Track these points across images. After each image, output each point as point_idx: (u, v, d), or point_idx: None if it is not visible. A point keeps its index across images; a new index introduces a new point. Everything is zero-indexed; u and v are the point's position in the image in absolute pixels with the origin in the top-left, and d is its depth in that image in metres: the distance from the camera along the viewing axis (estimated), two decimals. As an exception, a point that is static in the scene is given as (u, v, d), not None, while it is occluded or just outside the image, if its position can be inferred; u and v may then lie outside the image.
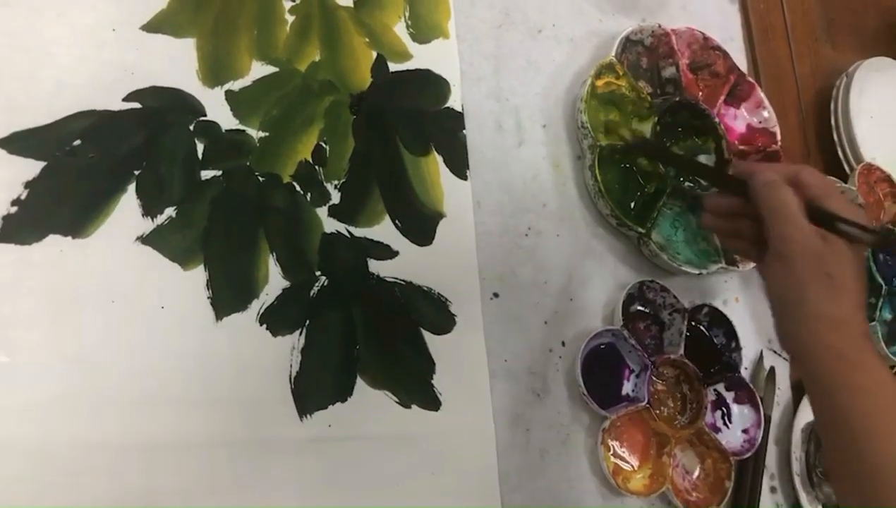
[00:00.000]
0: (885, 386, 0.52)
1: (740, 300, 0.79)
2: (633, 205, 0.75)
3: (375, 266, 0.65)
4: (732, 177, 0.62)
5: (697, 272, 0.73)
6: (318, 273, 0.63)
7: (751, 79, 0.84)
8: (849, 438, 0.52)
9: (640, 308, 0.73)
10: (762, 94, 0.84)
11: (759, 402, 0.73)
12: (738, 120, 0.84)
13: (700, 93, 0.81)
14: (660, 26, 0.80)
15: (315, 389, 0.60)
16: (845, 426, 0.52)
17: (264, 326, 0.60)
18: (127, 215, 0.59)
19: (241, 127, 0.65)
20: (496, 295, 0.69)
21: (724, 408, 0.74)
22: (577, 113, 0.75)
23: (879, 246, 0.57)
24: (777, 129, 0.83)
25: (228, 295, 0.60)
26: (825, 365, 0.54)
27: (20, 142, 0.58)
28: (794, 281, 0.56)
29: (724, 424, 0.73)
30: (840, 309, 0.54)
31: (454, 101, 0.73)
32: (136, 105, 0.62)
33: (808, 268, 0.55)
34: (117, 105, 0.62)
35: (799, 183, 0.58)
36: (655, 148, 0.75)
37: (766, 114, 0.84)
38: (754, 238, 0.61)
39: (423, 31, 0.74)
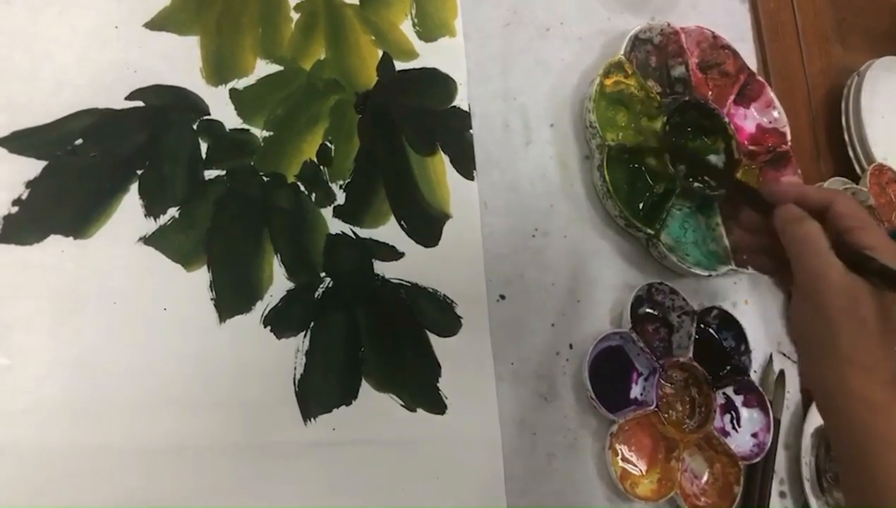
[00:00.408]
0: None
1: (750, 302, 0.78)
2: (641, 205, 0.74)
3: (381, 267, 0.64)
4: (762, 200, 0.59)
5: (707, 274, 0.72)
6: (322, 274, 0.62)
7: (761, 78, 0.83)
8: (870, 486, 0.50)
9: (648, 310, 0.72)
10: (772, 94, 0.83)
11: (769, 406, 0.72)
12: (747, 120, 0.83)
13: (709, 93, 0.80)
14: (669, 25, 0.79)
15: (319, 392, 0.59)
16: (869, 473, 0.50)
17: (268, 328, 0.60)
18: (129, 215, 0.59)
19: (245, 126, 0.64)
20: (503, 296, 0.68)
21: (733, 412, 0.73)
22: (586, 112, 0.74)
23: None
24: (787, 129, 0.82)
25: (232, 296, 0.59)
26: (852, 413, 0.51)
27: (21, 142, 0.57)
28: (822, 323, 0.52)
29: (734, 428, 0.72)
30: (871, 355, 0.51)
31: (461, 101, 0.72)
32: (139, 103, 0.62)
33: (839, 309, 0.51)
34: (120, 104, 0.61)
35: (831, 213, 0.55)
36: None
37: (776, 114, 0.83)
38: (782, 257, 0.57)
39: (430, 29, 0.73)
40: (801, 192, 0.58)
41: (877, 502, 0.50)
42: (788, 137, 0.82)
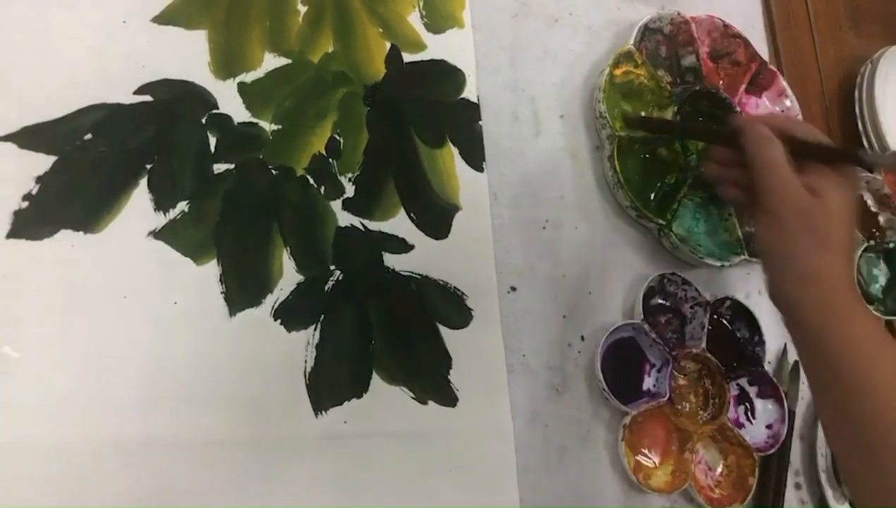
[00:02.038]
0: (873, 335, 0.53)
1: (763, 293, 0.77)
2: (652, 196, 0.73)
3: (390, 260, 0.64)
4: (727, 131, 0.63)
5: (719, 264, 0.71)
6: (332, 267, 0.62)
7: (773, 67, 0.82)
8: (838, 389, 0.53)
9: (660, 301, 0.72)
10: (784, 83, 0.82)
11: (784, 397, 0.71)
12: (759, 109, 0.82)
13: (721, 82, 0.79)
14: (679, 14, 0.78)
15: (330, 385, 0.59)
16: (834, 377, 0.53)
17: (278, 321, 0.59)
18: (139, 210, 0.59)
19: (253, 119, 0.64)
20: (513, 288, 0.67)
21: (747, 403, 0.72)
22: (596, 102, 0.73)
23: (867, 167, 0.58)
24: (800, 118, 0.81)
25: (242, 289, 0.59)
26: (813, 318, 0.55)
27: (31, 137, 0.57)
28: (781, 236, 0.56)
29: (748, 419, 0.72)
30: (827, 263, 0.55)
31: (469, 92, 0.72)
32: (148, 98, 0.62)
33: (795, 223, 0.55)
34: (128, 98, 0.61)
35: (787, 133, 0.59)
36: (652, 122, 0.75)
37: (788, 102, 0.82)
38: (750, 188, 0.61)
39: (438, 20, 0.73)
40: (763, 119, 0.63)
41: (842, 404, 0.53)
42: (801, 126, 0.81)
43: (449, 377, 0.62)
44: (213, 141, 0.62)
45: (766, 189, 0.57)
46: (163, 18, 0.64)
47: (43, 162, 0.57)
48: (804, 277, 0.55)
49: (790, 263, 0.56)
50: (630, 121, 0.73)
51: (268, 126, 0.64)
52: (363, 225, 0.64)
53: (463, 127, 0.70)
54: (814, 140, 0.59)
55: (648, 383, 0.69)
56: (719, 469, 0.69)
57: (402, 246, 0.65)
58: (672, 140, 0.75)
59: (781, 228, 0.56)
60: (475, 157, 0.70)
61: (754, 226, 0.62)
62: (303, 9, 0.69)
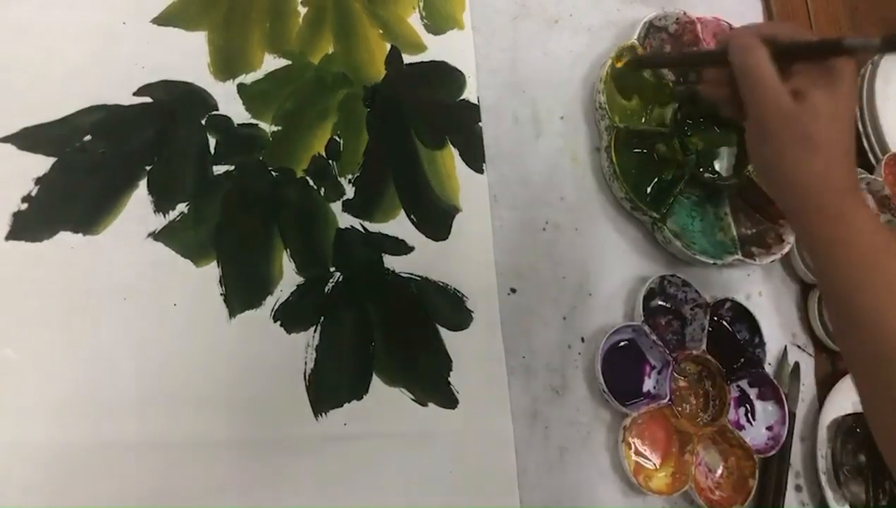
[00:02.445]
0: (863, 235, 0.53)
1: (763, 294, 0.77)
2: (648, 190, 0.73)
3: (391, 261, 0.64)
4: (716, 49, 0.63)
5: (712, 262, 0.71)
6: (332, 269, 0.62)
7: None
8: (835, 291, 0.54)
9: (661, 303, 0.72)
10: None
11: (784, 399, 0.71)
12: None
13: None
14: (685, 14, 0.78)
15: (330, 387, 0.59)
16: (831, 279, 0.54)
17: (278, 323, 0.59)
18: (138, 211, 0.59)
19: (253, 121, 0.64)
20: (514, 290, 0.67)
21: (747, 405, 0.72)
22: (596, 94, 0.73)
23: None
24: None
25: (242, 291, 0.59)
26: (812, 227, 0.55)
27: (30, 138, 0.58)
28: (769, 146, 0.56)
29: (748, 421, 0.71)
30: (818, 166, 0.54)
31: (470, 93, 0.72)
32: (147, 99, 0.62)
33: (783, 131, 0.54)
34: (128, 99, 0.61)
35: (771, 38, 0.57)
36: (650, 57, 0.75)
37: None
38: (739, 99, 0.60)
39: (438, 22, 0.73)
40: (749, 30, 0.61)
41: (841, 304, 0.53)
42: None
43: (449, 378, 0.62)
44: (212, 142, 0.62)
45: (751, 99, 0.56)
46: (162, 20, 0.64)
47: (42, 163, 0.57)
48: (796, 184, 0.55)
49: (781, 171, 0.55)
50: (632, 62, 0.73)
51: (268, 127, 0.64)
52: (363, 226, 0.64)
53: (463, 128, 0.70)
54: (798, 39, 0.57)
55: (649, 385, 0.69)
56: (719, 471, 0.69)
57: (402, 247, 0.65)
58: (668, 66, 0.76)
59: (768, 137, 0.55)
60: (475, 159, 0.70)
61: (746, 139, 0.60)
62: (303, 10, 0.69)
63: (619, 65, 0.74)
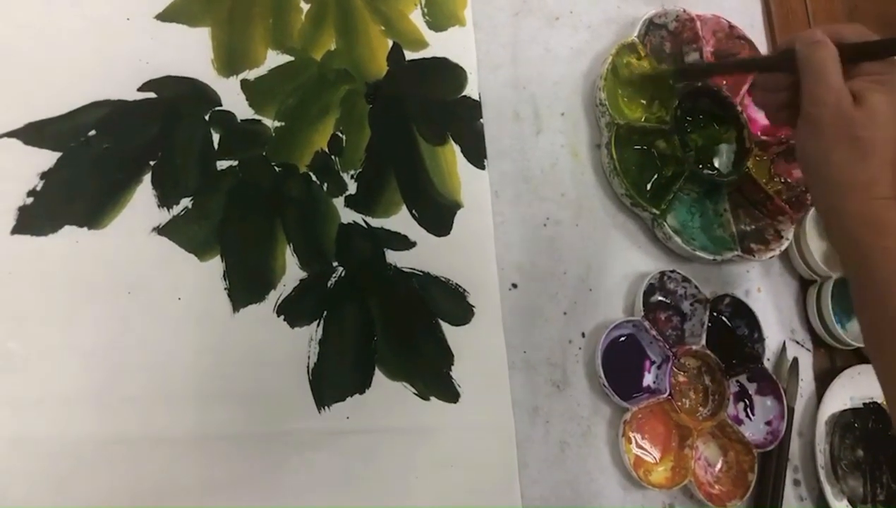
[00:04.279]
0: None
1: (762, 290, 0.78)
2: (649, 186, 0.74)
3: (393, 256, 0.64)
4: (778, 54, 0.63)
5: (712, 258, 0.71)
6: (335, 264, 0.63)
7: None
8: (869, 296, 0.54)
9: (661, 298, 0.72)
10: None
11: (783, 394, 0.71)
12: (760, 111, 0.82)
13: (724, 82, 0.79)
14: (685, 11, 0.78)
15: (333, 381, 0.59)
16: (865, 284, 0.54)
17: (282, 317, 0.60)
18: (143, 206, 0.59)
19: (256, 117, 0.64)
20: (515, 285, 0.68)
21: (746, 400, 0.72)
22: (596, 90, 0.74)
23: None
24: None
25: (245, 286, 0.59)
26: (852, 231, 0.54)
27: (35, 133, 0.58)
28: (820, 146, 0.55)
29: (747, 416, 0.72)
30: (866, 173, 0.53)
31: (471, 90, 0.72)
32: (151, 95, 0.62)
33: (834, 131, 0.54)
34: (132, 95, 0.61)
35: (839, 39, 0.57)
36: (701, 68, 0.76)
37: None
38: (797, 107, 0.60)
39: (440, 18, 0.73)
40: (815, 28, 0.61)
41: (881, 313, 0.53)
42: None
43: (451, 373, 0.63)
44: (216, 138, 0.63)
45: (810, 96, 0.56)
46: (166, 16, 0.64)
47: (47, 158, 0.57)
48: (842, 188, 0.54)
49: (829, 173, 0.55)
50: (677, 73, 0.74)
51: (271, 123, 0.64)
52: (365, 221, 0.64)
53: (464, 125, 0.71)
54: (864, 39, 0.57)
55: (648, 379, 0.69)
56: (719, 466, 0.69)
57: (404, 243, 0.65)
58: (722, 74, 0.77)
59: (820, 137, 0.55)
60: (476, 155, 0.70)
61: (796, 137, 0.59)
62: (305, 6, 0.69)
63: (668, 79, 0.75)
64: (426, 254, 0.65)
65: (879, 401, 0.76)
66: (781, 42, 0.64)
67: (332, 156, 0.65)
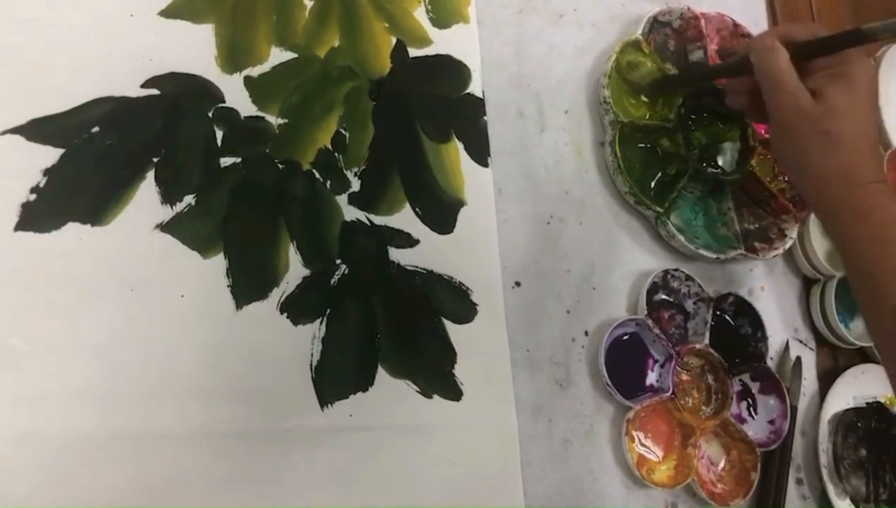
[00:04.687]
0: (889, 227, 0.54)
1: (766, 289, 0.78)
2: (652, 184, 0.74)
3: (396, 254, 0.64)
4: (738, 59, 0.65)
5: (715, 256, 0.71)
6: (338, 261, 0.62)
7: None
8: (864, 284, 0.55)
9: (664, 297, 0.72)
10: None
11: (786, 393, 0.71)
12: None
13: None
14: (689, 9, 0.78)
15: (336, 378, 0.59)
16: (859, 272, 0.55)
17: (285, 315, 0.60)
18: (146, 203, 0.59)
19: (260, 113, 0.64)
20: (518, 283, 0.68)
21: (749, 399, 0.72)
22: (600, 88, 0.73)
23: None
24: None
25: (248, 283, 0.59)
26: (834, 218, 0.57)
27: (38, 130, 0.58)
28: (794, 147, 0.58)
29: (750, 415, 0.72)
30: (840, 162, 0.55)
31: (475, 87, 0.72)
32: (155, 91, 0.62)
33: (803, 130, 0.56)
34: (135, 91, 0.61)
35: (792, 40, 0.59)
36: (674, 79, 0.77)
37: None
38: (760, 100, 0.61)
39: (444, 16, 0.73)
40: (764, 33, 0.64)
41: (876, 301, 0.54)
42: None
43: (454, 371, 0.63)
44: (219, 134, 0.62)
45: (773, 103, 0.58)
46: (169, 12, 0.64)
47: (51, 154, 0.57)
48: (819, 180, 0.56)
49: (805, 168, 0.57)
50: (651, 85, 0.75)
51: (274, 120, 0.64)
52: (369, 219, 0.64)
53: (468, 122, 0.71)
54: (815, 35, 0.59)
55: (652, 378, 0.69)
56: (721, 464, 0.69)
57: (407, 240, 0.65)
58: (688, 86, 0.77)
59: (791, 137, 0.58)
60: (480, 153, 0.70)
61: (770, 139, 0.62)
62: (309, 3, 0.69)
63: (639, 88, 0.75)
64: (429, 252, 0.65)
65: (882, 401, 0.76)
66: (739, 47, 0.67)
67: (336, 154, 0.65)
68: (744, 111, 0.71)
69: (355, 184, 0.65)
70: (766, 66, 0.59)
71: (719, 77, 0.74)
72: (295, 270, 0.61)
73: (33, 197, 0.56)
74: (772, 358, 0.75)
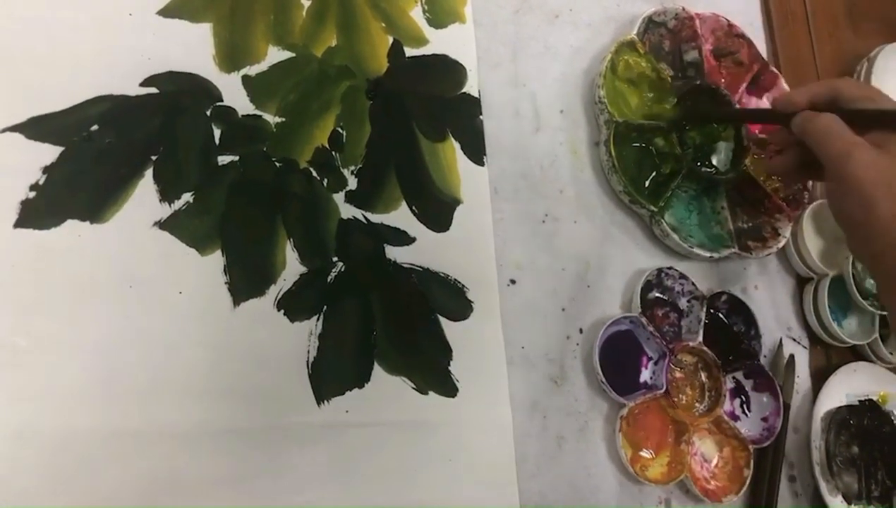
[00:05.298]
0: None
1: (759, 287, 0.78)
2: (647, 183, 0.74)
3: (392, 252, 0.65)
4: (778, 113, 0.64)
5: (709, 255, 0.72)
6: (335, 259, 0.63)
7: (774, 69, 0.83)
8: None
9: (658, 295, 0.73)
10: (785, 85, 0.82)
11: (779, 390, 0.72)
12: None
13: (722, 81, 0.80)
14: (684, 9, 0.79)
15: (332, 375, 0.60)
16: None
17: (282, 312, 0.60)
18: (144, 200, 0.59)
19: (257, 112, 0.65)
20: (513, 281, 0.68)
21: (743, 396, 0.73)
22: (595, 88, 0.74)
23: None
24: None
25: (246, 280, 0.60)
26: None
27: (38, 128, 0.58)
28: (857, 199, 0.53)
29: (743, 412, 0.73)
30: None
31: (471, 87, 0.72)
32: (153, 90, 0.62)
33: (870, 182, 0.52)
34: (134, 90, 0.62)
35: (840, 99, 0.57)
36: (703, 112, 0.76)
37: (787, 105, 0.82)
38: (814, 165, 0.59)
39: (440, 15, 0.73)
40: (808, 91, 0.61)
41: None
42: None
43: (449, 368, 0.63)
44: (217, 133, 0.63)
45: (832, 155, 0.55)
46: (168, 11, 0.65)
47: (50, 152, 0.58)
48: (884, 234, 0.52)
49: (869, 222, 0.53)
50: (687, 113, 0.75)
51: (271, 119, 0.65)
52: (365, 217, 0.65)
53: (464, 121, 0.71)
54: (865, 106, 0.57)
55: (646, 375, 0.70)
56: (715, 461, 0.70)
57: (403, 238, 0.65)
58: (723, 122, 0.77)
59: (855, 190, 0.53)
60: (476, 152, 0.70)
61: (826, 200, 0.59)
62: (306, 3, 0.69)
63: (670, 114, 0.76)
64: (426, 250, 0.65)
65: (875, 398, 0.77)
66: (776, 102, 0.65)
67: (333, 152, 0.66)
68: (788, 173, 0.68)
69: (352, 183, 0.65)
70: (812, 128, 0.56)
71: (758, 120, 0.75)
72: (292, 268, 0.61)
73: (33, 194, 0.56)
74: (765, 356, 0.75)
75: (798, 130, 0.58)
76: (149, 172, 0.60)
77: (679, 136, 0.75)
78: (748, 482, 0.68)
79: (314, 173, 0.65)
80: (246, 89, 0.65)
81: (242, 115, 0.64)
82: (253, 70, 0.66)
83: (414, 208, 0.66)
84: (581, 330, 0.69)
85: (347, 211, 0.64)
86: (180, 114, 0.62)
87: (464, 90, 0.72)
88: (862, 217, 0.54)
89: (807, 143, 0.58)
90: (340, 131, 0.67)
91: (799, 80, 0.89)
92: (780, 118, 0.64)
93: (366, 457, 0.59)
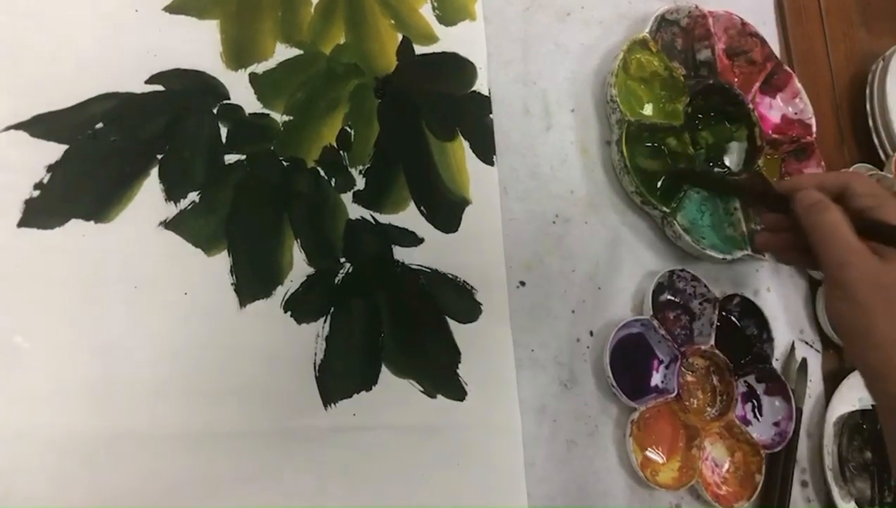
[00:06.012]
0: None
1: (772, 290, 0.77)
2: (658, 184, 0.73)
3: (400, 253, 0.64)
4: (776, 195, 0.60)
5: (721, 257, 0.71)
6: (342, 260, 0.62)
7: (788, 68, 0.82)
8: None
9: (670, 297, 0.72)
10: (799, 85, 0.81)
11: (791, 394, 0.71)
12: (773, 109, 0.82)
13: (735, 80, 0.78)
14: (697, 7, 0.77)
15: (339, 378, 0.59)
16: None
17: (288, 313, 0.59)
18: (150, 200, 0.59)
19: (265, 110, 0.64)
20: (523, 283, 0.67)
21: (754, 401, 0.72)
22: (607, 87, 0.73)
23: None
24: (812, 121, 0.80)
25: (252, 281, 0.59)
26: None
27: (42, 126, 0.57)
28: (855, 309, 0.52)
29: (755, 417, 0.72)
30: None
31: (481, 85, 0.72)
32: (159, 88, 0.61)
33: (867, 294, 0.51)
34: (140, 88, 0.61)
35: (848, 194, 0.55)
36: (698, 175, 0.74)
37: (801, 105, 0.81)
38: (809, 248, 0.57)
39: (450, 13, 0.73)
40: (816, 180, 0.59)
41: None
42: (813, 129, 0.80)
43: (458, 371, 0.62)
44: (224, 131, 0.62)
45: (831, 260, 0.53)
46: (174, 8, 0.64)
47: (54, 151, 0.57)
48: (885, 349, 0.50)
49: (868, 337, 0.51)
50: (673, 173, 0.73)
51: (279, 117, 0.64)
52: (373, 217, 0.64)
53: (474, 120, 0.70)
54: (878, 218, 0.54)
55: (656, 379, 0.69)
56: (726, 466, 0.69)
57: (411, 239, 0.65)
58: (706, 185, 0.75)
59: (853, 299, 0.52)
60: (486, 151, 0.69)
61: (824, 297, 0.58)
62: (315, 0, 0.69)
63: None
64: (434, 251, 0.65)
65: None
66: (781, 186, 0.62)
67: (341, 151, 0.65)
68: (773, 251, 0.67)
69: (360, 183, 0.65)
70: (817, 223, 0.54)
71: (756, 204, 0.72)
72: (299, 268, 0.61)
73: (36, 193, 0.56)
74: (777, 360, 0.74)
75: (802, 215, 0.56)
76: (154, 171, 0.59)
77: (691, 136, 0.74)
78: (760, 487, 0.67)
79: (322, 173, 0.64)
80: (253, 87, 0.64)
81: (249, 114, 0.63)
82: (260, 67, 0.65)
83: (422, 208, 0.65)
84: (591, 333, 0.68)
85: (355, 211, 0.64)
86: (186, 113, 0.62)
87: (473, 88, 0.71)
88: (860, 328, 0.52)
89: (806, 232, 0.56)
90: (348, 130, 0.66)
91: (812, 80, 0.88)
92: (778, 202, 0.60)
93: (373, 461, 0.59)
